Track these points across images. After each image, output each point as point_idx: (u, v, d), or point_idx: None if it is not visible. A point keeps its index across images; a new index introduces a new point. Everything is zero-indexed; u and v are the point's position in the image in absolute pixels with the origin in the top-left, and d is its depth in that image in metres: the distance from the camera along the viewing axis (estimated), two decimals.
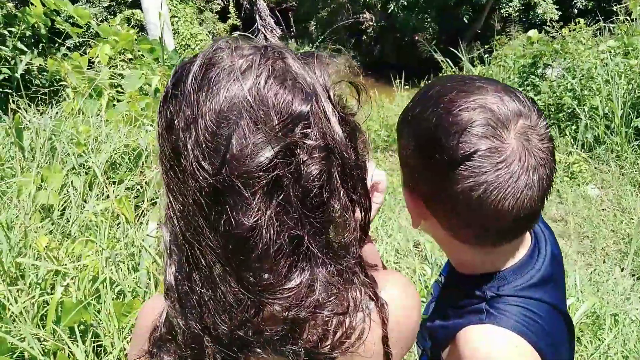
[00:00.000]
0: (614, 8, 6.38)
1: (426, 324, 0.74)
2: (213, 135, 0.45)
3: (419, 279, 2.34)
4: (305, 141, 0.46)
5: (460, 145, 0.56)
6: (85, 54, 4.05)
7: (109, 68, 3.93)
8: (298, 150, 0.46)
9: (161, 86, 3.48)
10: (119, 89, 3.74)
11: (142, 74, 3.76)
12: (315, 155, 0.47)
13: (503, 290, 0.64)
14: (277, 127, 0.45)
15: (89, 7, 15.85)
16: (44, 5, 4.07)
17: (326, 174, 0.48)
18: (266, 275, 0.49)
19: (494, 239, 0.63)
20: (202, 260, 0.49)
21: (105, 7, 16.37)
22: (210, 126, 0.46)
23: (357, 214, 0.55)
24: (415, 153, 0.63)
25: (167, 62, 4.13)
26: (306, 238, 0.49)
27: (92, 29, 4.33)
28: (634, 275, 2.74)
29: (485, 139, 0.56)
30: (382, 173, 0.79)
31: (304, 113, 0.47)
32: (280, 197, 0.46)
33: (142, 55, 4.17)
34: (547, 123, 0.60)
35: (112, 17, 15.19)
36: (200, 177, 0.46)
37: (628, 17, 6.11)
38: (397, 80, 7.08)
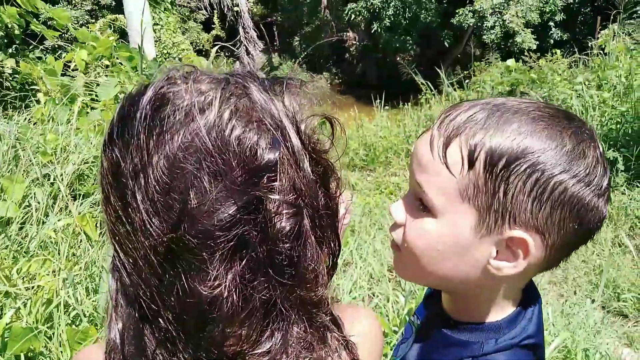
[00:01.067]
0: (589, 44, 6.59)
1: None
2: (165, 189, 0.40)
3: (392, 307, 2.30)
4: (271, 195, 0.41)
5: (606, 171, 0.56)
6: (62, 58, 3.94)
7: (85, 74, 3.83)
8: (264, 204, 0.41)
9: None
10: (93, 96, 3.63)
11: (119, 82, 3.66)
12: (284, 210, 0.42)
13: (501, 343, 0.61)
14: (240, 179, 0.40)
15: (71, 9, 15.63)
16: (19, 6, 3.95)
17: (296, 229, 0.43)
18: (233, 341, 0.43)
19: (564, 258, 0.61)
20: (159, 320, 0.43)
21: (88, 10, 16.16)
22: (162, 178, 0.39)
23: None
24: (561, 225, 0.55)
25: (146, 71, 4.05)
26: (277, 300, 0.44)
27: (71, 33, 4.21)
28: (604, 307, 2.75)
29: (602, 171, 0.56)
30: (348, 194, 0.75)
31: (272, 162, 0.41)
32: (246, 258, 0.41)
33: (120, 62, 4.07)
34: None
35: (94, 21, 15.00)
36: (151, 235, 0.40)
37: (601, 51, 6.32)
38: (378, 101, 7.12)
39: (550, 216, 0.53)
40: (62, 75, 3.83)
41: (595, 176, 0.54)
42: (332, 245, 0.49)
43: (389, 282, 2.73)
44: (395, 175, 5.42)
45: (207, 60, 4.45)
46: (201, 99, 0.42)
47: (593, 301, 2.77)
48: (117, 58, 4.08)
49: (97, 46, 3.89)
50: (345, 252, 2.79)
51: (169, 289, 0.41)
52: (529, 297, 0.65)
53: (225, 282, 0.40)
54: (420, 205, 0.60)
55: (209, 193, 0.39)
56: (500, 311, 0.63)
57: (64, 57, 3.86)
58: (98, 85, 3.69)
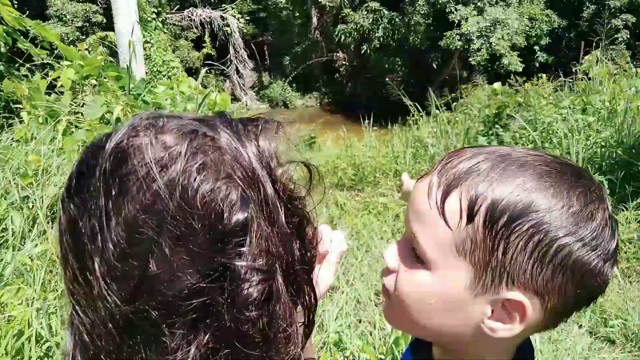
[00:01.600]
0: (573, 69, 6.73)
1: None
2: (123, 255, 0.36)
3: (379, 334, 2.26)
4: (239, 262, 0.38)
5: (614, 234, 0.53)
6: (48, 77, 3.90)
7: (72, 93, 3.79)
8: (231, 271, 0.38)
9: (123, 116, 3.37)
10: (79, 116, 3.59)
11: (106, 101, 3.64)
12: (252, 278, 0.38)
13: None
14: (204, 244, 0.37)
15: (61, 26, 15.65)
16: (6, 24, 3.92)
17: (266, 294, 0.40)
18: None
19: (562, 320, 0.59)
20: None
21: (78, 27, 16.19)
22: (120, 243, 0.36)
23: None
24: (553, 242, 0.51)
25: (134, 92, 4.03)
26: None
27: (59, 50, 4.20)
28: (591, 333, 2.74)
29: (613, 221, 0.54)
30: (341, 237, 0.68)
31: (240, 224, 0.38)
32: (210, 328, 0.38)
33: (108, 82, 4.05)
34: None
35: (85, 37, 15.01)
36: (109, 303, 0.37)
37: (585, 76, 6.45)
38: (367, 121, 7.16)
39: (552, 280, 0.50)
40: (48, 94, 3.79)
41: (603, 240, 0.51)
42: (308, 300, 0.46)
43: (376, 307, 2.69)
44: (383, 196, 5.41)
45: (197, 80, 4.45)
46: (164, 154, 0.38)
47: (580, 326, 2.76)
48: (104, 77, 4.06)
49: (85, 65, 3.87)
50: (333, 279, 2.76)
51: (128, 359, 0.38)
52: (524, 352, 0.62)
53: (188, 355, 0.37)
54: (413, 255, 0.56)
55: (170, 260, 0.36)
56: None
57: (50, 76, 3.83)
58: (84, 104, 3.66)
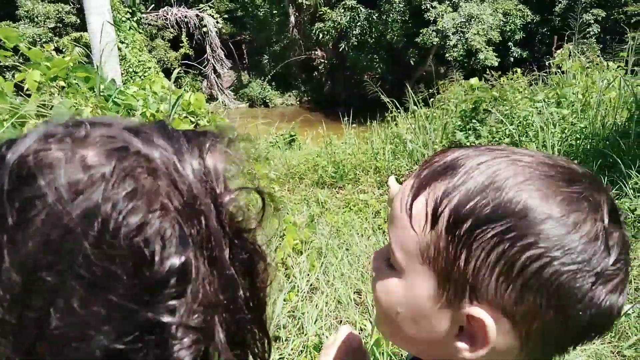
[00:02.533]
0: (546, 63, 6.82)
1: None
2: (17, 306, 0.29)
3: (359, 333, 2.23)
4: (168, 318, 0.31)
5: (608, 250, 0.43)
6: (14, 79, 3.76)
7: (40, 96, 3.66)
8: (160, 329, 0.31)
9: None
10: (47, 119, 3.47)
11: (75, 103, 3.52)
12: (186, 338, 0.31)
13: None
14: (127, 294, 0.30)
15: (33, 27, 15.23)
16: None
17: (203, 355, 0.33)
18: None
19: (552, 354, 0.50)
20: None
21: (51, 28, 15.79)
22: (13, 289, 0.28)
23: None
24: (520, 253, 0.43)
25: (104, 93, 3.91)
26: None
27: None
28: None
29: (619, 233, 0.44)
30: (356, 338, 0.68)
31: (175, 269, 0.31)
32: None
33: (77, 83, 3.93)
34: None
35: (59, 38, 14.65)
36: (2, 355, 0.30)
37: (559, 70, 6.54)
38: (346, 118, 7.15)
39: (521, 299, 0.43)
40: (15, 97, 3.65)
41: (591, 256, 0.42)
42: (260, 347, 0.40)
43: (357, 306, 2.66)
44: (364, 193, 5.40)
45: (170, 80, 4.35)
46: (83, 176, 0.30)
47: None
48: (73, 79, 3.94)
49: (52, 66, 3.74)
50: (311, 277, 2.72)
51: None
52: None
53: None
54: (388, 262, 0.52)
55: (80, 314, 0.29)
56: None
57: (15, 78, 3.69)
58: (52, 107, 3.54)
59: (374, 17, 16.11)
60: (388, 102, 6.98)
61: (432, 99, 6.90)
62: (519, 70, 6.53)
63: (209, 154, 0.36)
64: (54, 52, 4.26)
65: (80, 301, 0.29)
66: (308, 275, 2.71)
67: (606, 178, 4.09)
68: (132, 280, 0.30)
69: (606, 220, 0.43)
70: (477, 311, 0.44)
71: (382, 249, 0.56)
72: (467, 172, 0.45)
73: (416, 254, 0.48)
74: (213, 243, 0.34)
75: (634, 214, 3.65)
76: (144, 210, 0.30)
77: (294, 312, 2.43)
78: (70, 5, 15.73)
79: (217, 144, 0.37)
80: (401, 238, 0.49)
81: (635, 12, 14.52)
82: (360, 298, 2.75)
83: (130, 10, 13.23)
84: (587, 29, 14.40)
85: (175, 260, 0.31)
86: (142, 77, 11.72)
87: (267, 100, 18.86)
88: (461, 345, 0.47)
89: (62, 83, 3.86)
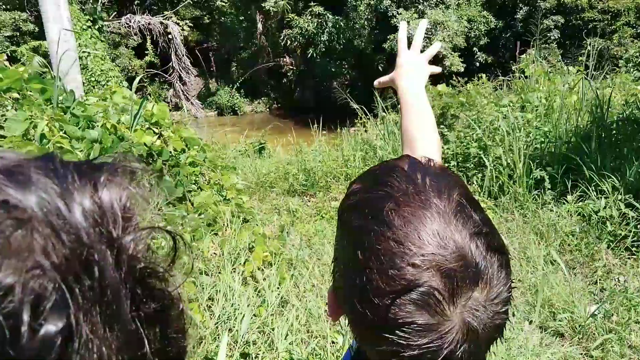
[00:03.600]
0: (511, 67, 6.97)
1: None
2: None
3: (330, 348, 2.17)
4: None
5: (393, 309, 0.46)
6: None
7: None
8: None
9: (48, 131, 3.11)
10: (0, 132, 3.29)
11: (30, 116, 3.35)
12: None
13: None
14: None
15: None
16: None
17: None
18: None
19: None
20: None
21: (7, 36, 15.20)
22: None
23: None
24: (347, 277, 0.52)
25: (62, 104, 3.75)
26: None
27: None
28: (541, 328, 2.78)
29: (425, 313, 0.46)
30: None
31: (49, 337, 0.25)
32: None
33: (32, 95, 3.75)
34: (509, 286, 0.49)
35: (16, 47, 14.10)
36: None
37: (522, 75, 6.70)
38: (315, 125, 7.11)
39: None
40: None
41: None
42: None
43: (327, 320, 2.60)
44: (335, 200, 5.36)
45: (132, 89, 4.20)
46: None
47: (531, 322, 2.79)
48: (28, 90, 3.76)
49: (4, 77, 3.56)
50: (281, 290, 2.65)
51: None
52: None
53: None
54: None
55: None
56: None
57: None
58: (6, 120, 3.36)
59: (341, 23, 16.22)
60: (357, 108, 6.99)
61: (399, 106, 6.94)
62: (484, 75, 6.65)
63: (105, 189, 0.30)
64: (6, 62, 4.06)
65: None
66: (278, 288, 2.64)
67: (570, 181, 4.19)
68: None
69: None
70: None
71: None
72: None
73: None
74: (109, 297, 0.28)
75: (597, 214, 3.73)
76: (10, 273, 0.24)
77: (263, 327, 2.35)
78: (27, 12, 15.20)
79: (117, 176, 0.31)
80: None
81: (592, 18, 15.11)
82: None
83: (92, 19, 12.90)
84: (548, 34, 14.88)
85: (51, 329, 0.25)
86: (105, 87, 11.40)
87: (235, 108, 18.67)
88: None
89: (15, 95, 3.67)
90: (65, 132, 3.23)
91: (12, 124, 3.30)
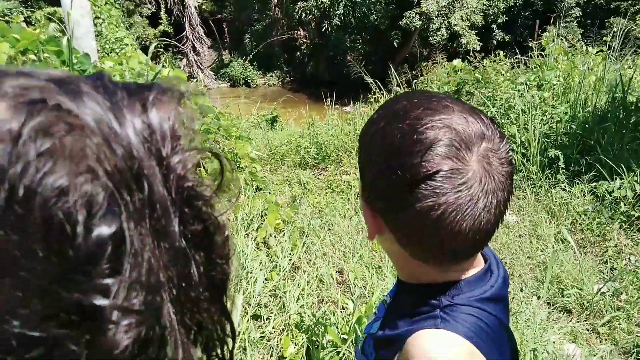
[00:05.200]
0: (529, 44, 6.82)
1: (374, 335, 0.74)
2: None
3: (340, 313, 2.21)
4: (101, 301, 0.26)
5: (423, 164, 0.57)
6: None
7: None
8: (91, 312, 0.26)
9: None
10: None
11: None
12: (124, 321, 0.26)
13: (458, 299, 0.65)
14: (46, 273, 0.25)
15: (2, 1, 14.57)
16: None
17: (145, 337, 0.28)
18: None
19: (448, 259, 0.64)
20: None
21: (21, 1, 15.12)
22: None
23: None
24: (376, 168, 0.63)
25: (78, 67, 3.76)
26: None
27: None
28: (549, 303, 2.80)
29: (448, 160, 0.57)
30: None
31: (103, 240, 0.26)
32: None
33: (49, 57, 3.76)
34: (509, 147, 0.61)
35: (31, 12, 14.06)
36: None
37: (542, 53, 6.56)
38: (328, 99, 7.06)
39: (376, 200, 0.65)
40: None
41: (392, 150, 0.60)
42: (219, 329, 0.35)
43: (339, 285, 2.65)
44: (346, 174, 5.37)
45: (147, 56, 4.20)
46: None
47: (539, 297, 2.81)
48: (44, 52, 3.77)
49: (21, 38, 3.57)
50: (293, 257, 2.69)
51: None
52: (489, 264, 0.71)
53: None
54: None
55: None
56: (451, 276, 0.67)
57: None
58: None
59: None
60: (371, 83, 6.91)
61: (415, 81, 6.87)
62: (501, 52, 6.52)
63: (153, 109, 0.30)
64: (23, 24, 4.06)
65: None
66: (290, 254, 2.68)
67: (584, 161, 4.15)
68: (52, 257, 0.24)
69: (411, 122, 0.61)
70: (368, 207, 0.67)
71: None
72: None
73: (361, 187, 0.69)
74: (159, 212, 0.29)
75: (611, 195, 3.71)
76: (64, 174, 0.25)
77: (275, 291, 2.40)
78: None
79: (164, 98, 0.32)
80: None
81: None
82: (342, 277, 2.74)
83: None
84: (569, 12, 14.49)
85: (104, 231, 0.26)
86: (119, 54, 11.38)
87: (248, 80, 18.56)
88: (378, 237, 0.69)
89: (32, 57, 3.69)
90: None
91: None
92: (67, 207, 0.25)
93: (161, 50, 16.05)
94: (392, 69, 6.95)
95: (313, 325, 2.04)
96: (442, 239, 0.59)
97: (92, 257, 0.26)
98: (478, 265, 0.70)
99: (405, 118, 0.60)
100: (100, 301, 0.25)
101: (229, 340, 0.36)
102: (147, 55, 4.37)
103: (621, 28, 5.71)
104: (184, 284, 0.31)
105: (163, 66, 3.93)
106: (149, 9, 16.71)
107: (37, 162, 0.24)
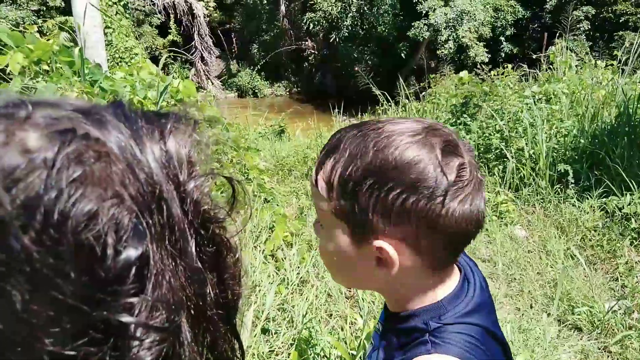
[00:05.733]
0: (537, 56, 6.82)
1: None
2: None
3: (349, 328, 2.20)
4: (127, 318, 0.27)
5: (445, 174, 0.59)
6: None
7: (21, 80, 3.54)
8: (117, 329, 0.27)
9: None
10: None
11: (60, 87, 3.41)
12: (147, 338, 0.28)
13: (445, 319, 0.66)
14: (77, 293, 0.26)
15: (15, 9, 14.81)
16: None
17: (166, 356, 0.29)
18: None
19: (452, 256, 0.67)
20: None
21: (34, 10, 15.37)
22: None
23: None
24: (387, 196, 0.61)
25: (89, 78, 3.80)
26: None
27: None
28: (559, 321, 2.77)
29: (456, 159, 0.61)
30: None
31: (130, 262, 0.27)
32: None
33: (61, 67, 3.81)
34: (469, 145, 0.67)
35: (43, 21, 14.27)
36: None
37: (550, 66, 6.56)
38: (336, 110, 7.08)
39: (401, 226, 0.60)
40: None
41: (428, 180, 0.58)
42: (227, 348, 0.36)
43: (347, 300, 2.63)
44: None
45: (158, 66, 4.24)
46: (22, 162, 0.26)
47: (549, 315, 2.78)
48: (56, 62, 3.81)
49: (35, 49, 3.62)
50: (301, 270, 2.68)
51: None
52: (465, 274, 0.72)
53: None
54: (318, 223, 0.70)
55: (23, 317, 0.25)
56: (436, 292, 0.68)
57: None
58: (36, 91, 3.42)
59: (365, 8, 16.01)
60: (379, 94, 6.93)
61: (423, 93, 6.87)
62: (509, 65, 6.52)
63: (170, 137, 0.32)
64: (37, 34, 4.12)
65: (23, 302, 0.25)
66: (298, 268, 2.67)
67: (594, 177, 4.12)
68: (83, 278, 0.26)
69: (439, 156, 0.59)
70: (379, 243, 0.61)
71: (316, 217, 0.73)
72: (343, 148, 0.62)
73: (329, 213, 0.64)
74: (177, 234, 0.31)
75: (621, 211, 3.68)
76: (94, 200, 0.27)
77: (283, 305, 2.39)
78: None
79: (181, 126, 0.34)
80: (318, 205, 0.66)
81: (624, 11, 14.66)
82: (350, 292, 2.72)
83: None
84: (578, 26, 14.50)
85: (131, 253, 0.27)
86: (129, 64, 11.49)
87: (256, 91, 18.68)
88: (380, 271, 0.64)
89: (45, 67, 3.73)
90: None
91: (43, 95, 3.36)
92: (97, 231, 0.27)
93: (170, 59, 16.21)
94: (401, 80, 6.96)
95: (322, 340, 2.03)
96: (457, 234, 0.63)
97: (120, 277, 0.27)
98: (455, 278, 0.71)
99: (387, 145, 0.62)
100: (125, 318, 0.27)
101: (239, 356, 0.38)
102: (157, 65, 4.42)
103: (637, 42, 5.67)
104: (200, 304, 0.32)
105: (173, 77, 3.96)
106: (159, 18, 16.90)
107: (69, 189, 0.26)
